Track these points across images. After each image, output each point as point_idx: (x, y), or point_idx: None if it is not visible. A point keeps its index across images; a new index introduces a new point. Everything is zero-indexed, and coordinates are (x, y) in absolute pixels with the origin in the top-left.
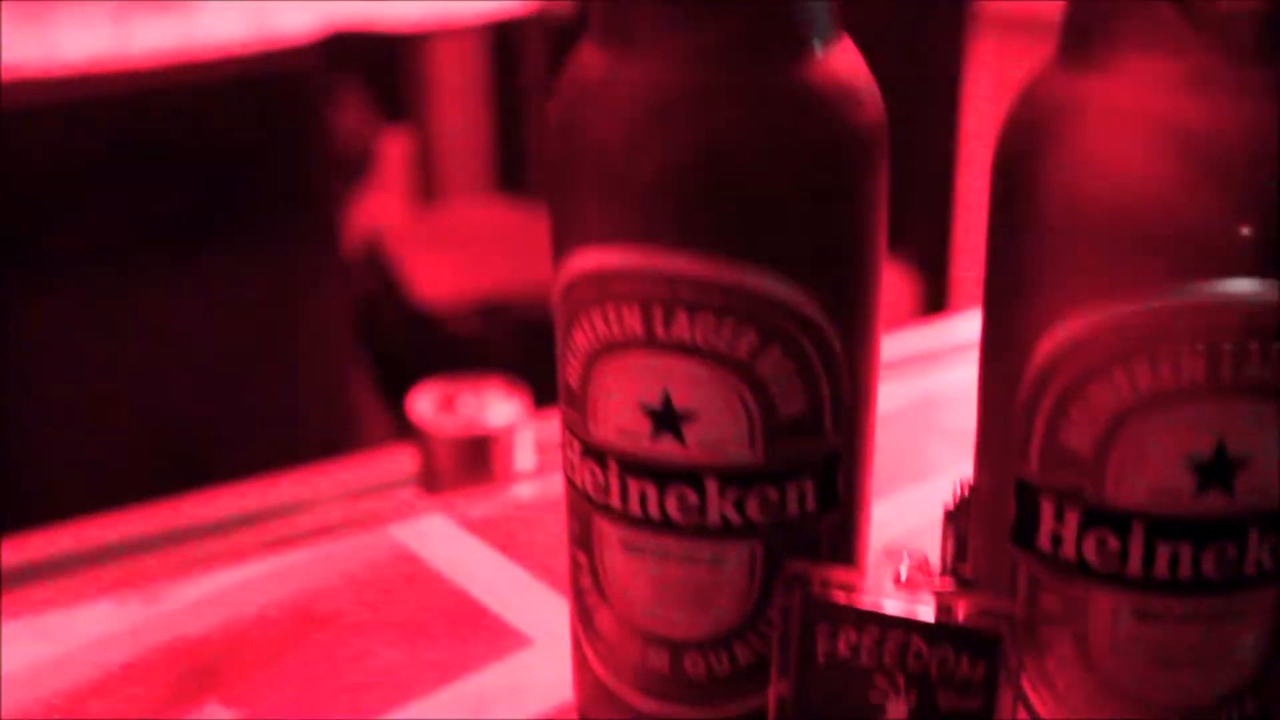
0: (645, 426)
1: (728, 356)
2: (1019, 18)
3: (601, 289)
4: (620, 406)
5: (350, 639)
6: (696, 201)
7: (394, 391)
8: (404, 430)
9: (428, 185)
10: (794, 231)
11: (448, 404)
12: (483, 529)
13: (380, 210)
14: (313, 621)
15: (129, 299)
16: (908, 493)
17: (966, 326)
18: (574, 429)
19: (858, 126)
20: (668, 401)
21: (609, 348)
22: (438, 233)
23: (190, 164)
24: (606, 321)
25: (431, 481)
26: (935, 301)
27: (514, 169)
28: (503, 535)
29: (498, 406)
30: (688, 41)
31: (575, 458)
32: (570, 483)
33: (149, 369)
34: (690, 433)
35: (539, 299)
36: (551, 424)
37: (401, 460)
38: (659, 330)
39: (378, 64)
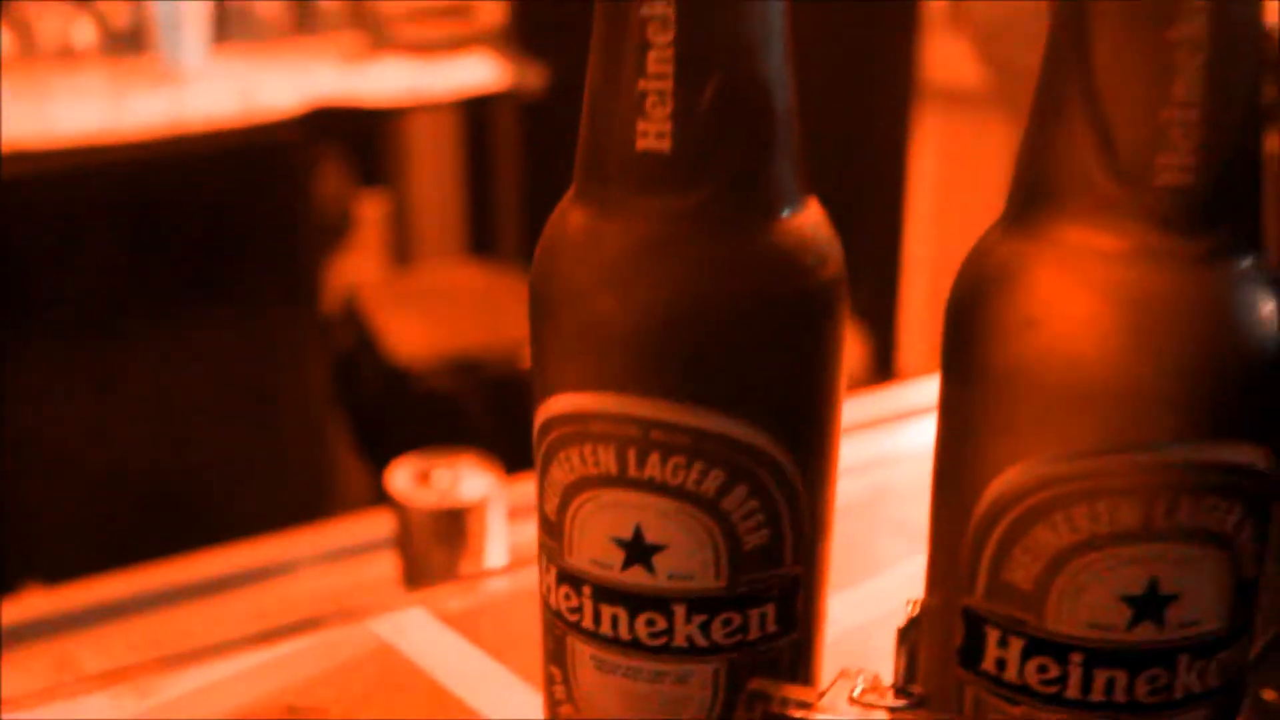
0: (618, 557)
1: (696, 494)
2: (962, 91)
3: (579, 430)
4: (594, 538)
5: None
6: (669, 353)
7: (370, 442)
8: (381, 496)
9: (403, 248)
10: (759, 380)
11: (423, 478)
12: (459, 622)
13: (357, 270)
14: (294, 712)
15: (116, 356)
16: (860, 587)
17: (914, 393)
18: (551, 556)
19: (820, 285)
20: (639, 535)
21: (585, 483)
22: (412, 293)
23: (179, 228)
24: (583, 460)
25: (408, 550)
26: (884, 360)
27: (485, 233)
28: (479, 629)
29: (471, 480)
30: (664, 205)
31: (551, 581)
32: (545, 603)
33: (134, 424)
34: (660, 563)
35: (508, 357)
36: (523, 488)
37: (379, 527)
38: (632, 469)
39: (357, 134)
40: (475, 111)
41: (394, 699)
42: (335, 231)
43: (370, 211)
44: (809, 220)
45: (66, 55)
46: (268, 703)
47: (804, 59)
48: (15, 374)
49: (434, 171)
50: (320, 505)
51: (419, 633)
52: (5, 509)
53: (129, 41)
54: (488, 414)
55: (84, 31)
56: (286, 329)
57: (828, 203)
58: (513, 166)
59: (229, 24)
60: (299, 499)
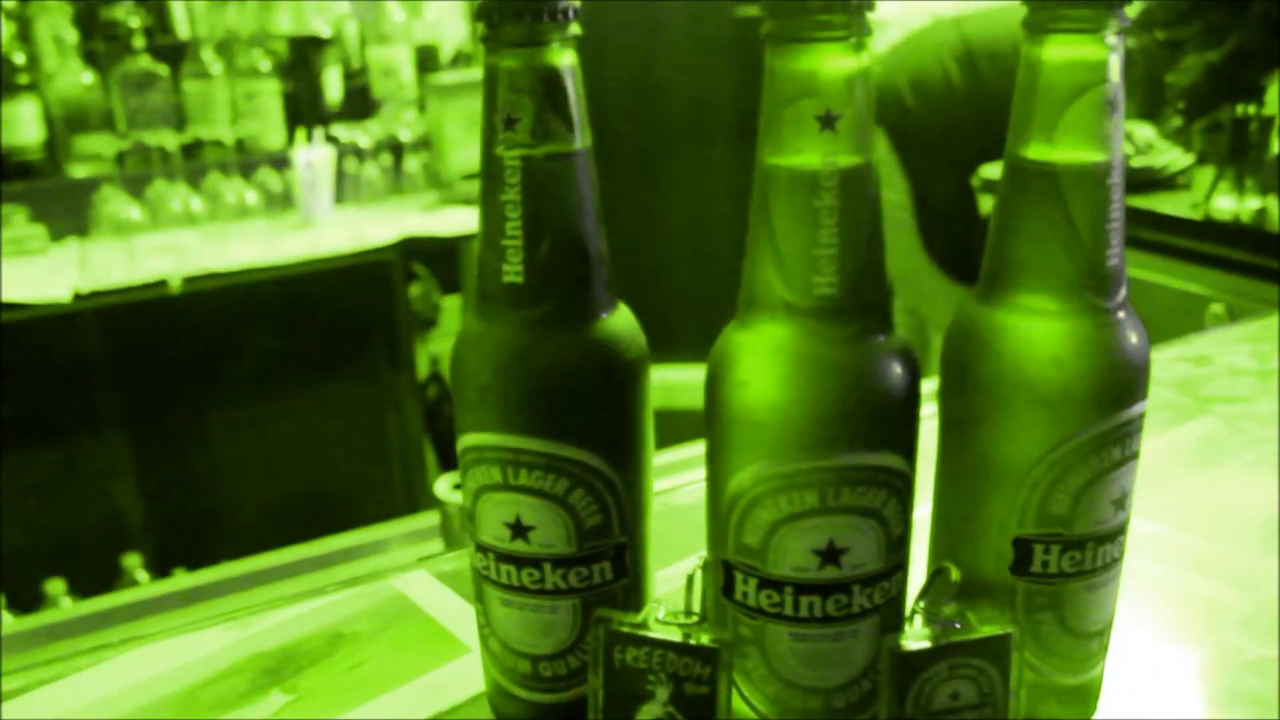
0: (507, 535)
1: (552, 494)
2: None
3: (478, 455)
4: (493, 524)
5: (363, 648)
6: (529, 407)
7: (448, 462)
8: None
9: None
10: (588, 422)
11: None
12: (450, 580)
13: (440, 346)
14: (340, 638)
15: (274, 412)
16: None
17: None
18: (470, 535)
19: (626, 361)
20: (519, 520)
21: (484, 489)
22: None
23: (317, 324)
24: (484, 474)
25: (446, 532)
26: None
27: None
28: (461, 582)
29: None
30: (522, 316)
31: (473, 550)
32: (472, 565)
33: (288, 458)
34: (533, 537)
35: None
36: None
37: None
38: (511, 479)
39: (437, 257)
40: None
41: (404, 630)
42: (425, 322)
43: (449, 306)
44: (619, 320)
45: (240, 211)
46: (324, 630)
47: None
48: (207, 426)
49: None
50: (415, 505)
51: (423, 587)
52: (204, 513)
53: (281, 201)
54: None
55: (250, 195)
56: (391, 388)
57: None
58: None
59: (346, 187)
60: (400, 501)
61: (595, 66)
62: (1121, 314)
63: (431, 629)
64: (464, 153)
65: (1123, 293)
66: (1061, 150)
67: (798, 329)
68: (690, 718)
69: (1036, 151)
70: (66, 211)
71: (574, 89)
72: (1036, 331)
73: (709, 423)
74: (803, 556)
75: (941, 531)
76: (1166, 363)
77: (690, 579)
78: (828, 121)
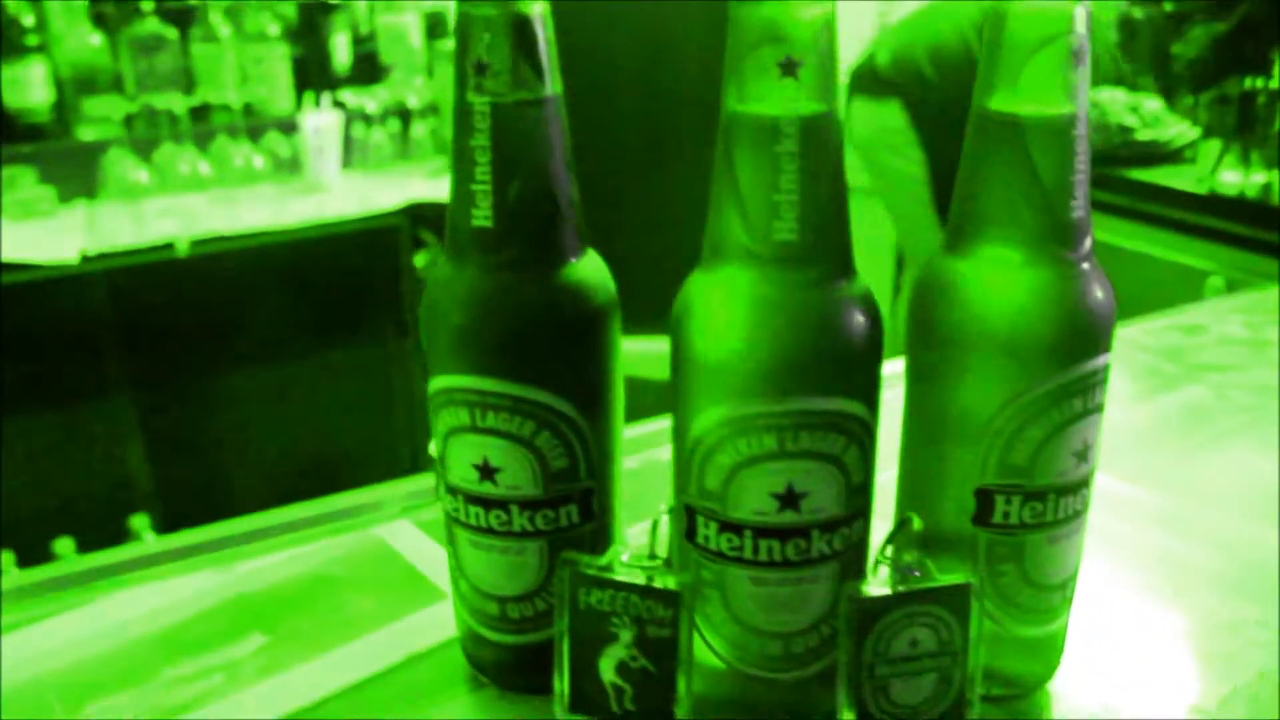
0: (475, 477)
1: (519, 436)
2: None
3: (447, 398)
4: (462, 466)
5: (343, 593)
6: (496, 351)
7: None
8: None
9: None
10: (554, 366)
11: None
12: (429, 528)
13: None
14: (322, 583)
15: (284, 372)
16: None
17: None
18: (440, 477)
19: (591, 307)
20: (487, 462)
21: (454, 430)
22: None
23: (323, 287)
24: (453, 416)
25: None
26: None
27: None
28: (441, 531)
29: None
30: (491, 260)
31: (443, 493)
32: (443, 508)
33: (299, 416)
34: (500, 479)
35: None
36: None
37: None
38: (478, 421)
39: (442, 222)
40: None
41: (384, 575)
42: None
43: None
44: (587, 267)
45: (247, 175)
46: (307, 575)
47: None
48: (214, 388)
49: None
50: (419, 467)
51: (405, 535)
52: (212, 475)
53: (288, 165)
54: None
55: (258, 159)
56: (397, 352)
57: None
58: None
59: (354, 152)
60: (404, 463)
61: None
62: (1085, 266)
63: (410, 575)
64: None
65: (1087, 245)
66: (1025, 102)
67: (757, 274)
68: (653, 660)
69: (1001, 103)
70: (75, 173)
71: (544, 37)
72: (997, 281)
73: (673, 368)
74: (762, 500)
75: (908, 484)
76: (1158, 331)
77: (655, 523)
78: (789, 68)
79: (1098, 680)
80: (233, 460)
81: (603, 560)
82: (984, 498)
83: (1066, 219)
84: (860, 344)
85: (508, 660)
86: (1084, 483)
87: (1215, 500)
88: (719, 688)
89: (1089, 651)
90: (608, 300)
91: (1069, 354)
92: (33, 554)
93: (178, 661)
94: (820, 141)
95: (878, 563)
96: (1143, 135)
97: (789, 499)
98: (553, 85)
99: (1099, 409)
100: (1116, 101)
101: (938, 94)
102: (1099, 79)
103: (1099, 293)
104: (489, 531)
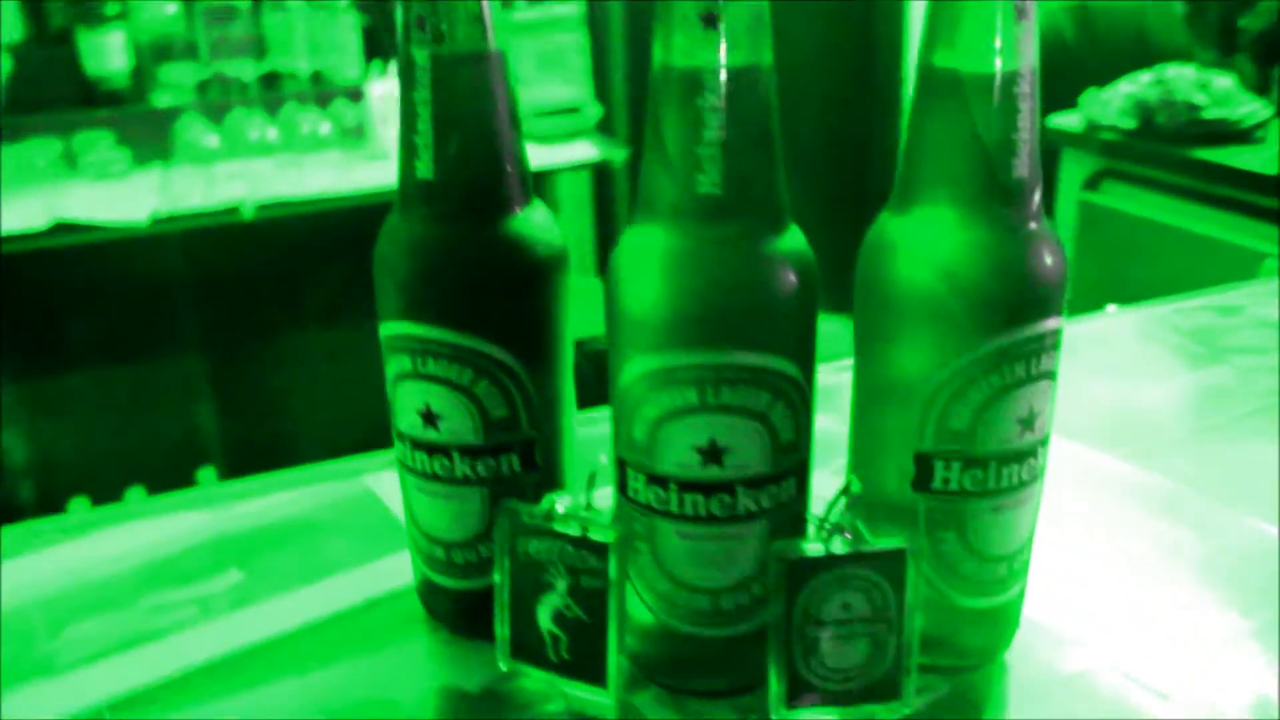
0: (419, 424)
1: (458, 384)
2: None
3: (393, 343)
4: (407, 412)
5: (323, 536)
6: (438, 299)
7: None
8: None
9: None
10: (494, 314)
11: None
12: None
13: None
14: (305, 526)
15: (344, 336)
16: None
17: None
18: (391, 423)
19: (534, 259)
20: (429, 409)
21: (400, 376)
22: None
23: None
24: (398, 362)
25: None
26: None
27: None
28: None
29: None
30: (434, 210)
31: (395, 438)
32: (395, 455)
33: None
34: (442, 426)
35: None
36: None
37: None
38: (420, 368)
39: None
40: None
41: (365, 522)
42: None
43: None
44: (530, 219)
45: (314, 141)
46: (292, 518)
47: None
48: (279, 348)
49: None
50: None
51: (391, 484)
52: (276, 432)
53: (355, 132)
54: None
55: (325, 125)
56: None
57: None
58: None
59: None
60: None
61: None
62: (1030, 227)
63: (390, 523)
64: (538, 90)
65: (1032, 206)
66: (965, 56)
67: (680, 228)
68: (586, 610)
69: (943, 58)
70: (149, 138)
71: None
72: (936, 241)
73: (605, 322)
74: (685, 453)
75: (856, 448)
76: (1190, 311)
77: (592, 474)
78: (710, 20)
79: (1053, 655)
80: (295, 416)
81: (540, 510)
82: (923, 462)
83: (1008, 178)
84: (785, 300)
85: (456, 606)
86: (1031, 452)
87: (1215, 486)
88: (651, 643)
89: (1050, 626)
90: (550, 252)
91: (1008, 317)
92: (105, 502)
93: (157, 592)
94: (745, 94)
95: (808, 523)
96: (1211, 113)
97: (712, 453)
98: (495, 41)
99: (1048, 376)
100: (1185, 78)
101: None
102: (1166, 55)
103: (1044, 255)
104: (433, 478)
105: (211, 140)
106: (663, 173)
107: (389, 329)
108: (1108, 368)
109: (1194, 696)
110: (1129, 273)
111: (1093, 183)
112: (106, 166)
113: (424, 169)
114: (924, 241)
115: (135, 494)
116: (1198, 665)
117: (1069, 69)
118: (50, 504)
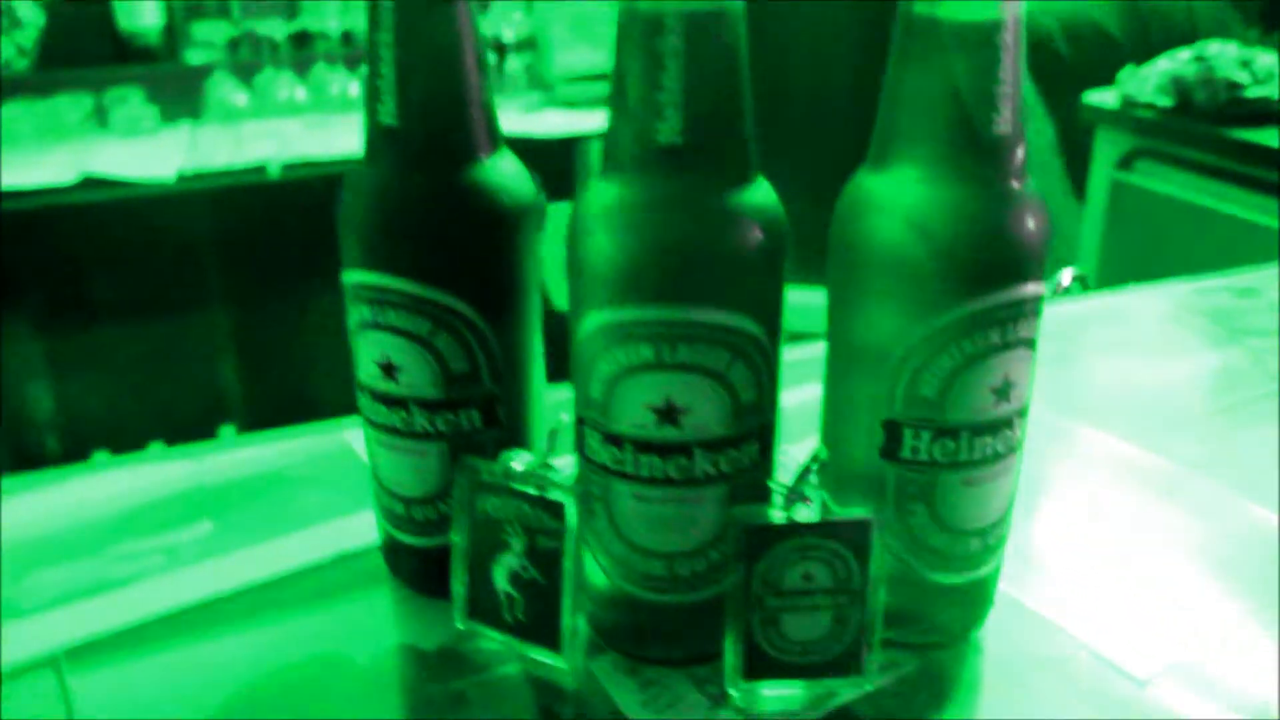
0: (378, 375)
1: (418, 336)
2: None
3: (354, 293)
4: (366, 363)
5: (297, 489)
6: (395, 248)
7: None
8: None
9: None
10: (452, 265)
11: None
12: None
13: None
14: (279, 479)
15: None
16: None
17: None
18: (353, 373)
19: (496, 209)
20: (388, 361)
21: (360, 326)
22: None
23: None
24: (358, 313)
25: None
26: None
27: None
28: None
29: None
30: (398, 157)
31: (356, 390)
32: (359, 407)
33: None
34: (401, 379)
35: None
36: None
37: None
38: (379, 318)
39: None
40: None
41: (340, 477)
42: None
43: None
44: (494, 168)
45: (343, 102)
46: (267, 471)
47: None
48: (306, 305)
49: None
50: None
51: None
52: (297, 389)
53: None
54: None
55: (354, 86)
56: None
57: None
58: None
59: None
60: None
61: None
62: (1010, 187)
63: (365, 478)
64: (569, 55)
65: (1014, 166)
66: (946, 3)
67: (639, 179)
68: (541, 571)
69: (923, 4)
70: (180, 95)
71: None
72: (908, 199)
73: (566, 277)
74: (640, 413)
75: (828, 416)
76: (1209, 291)
77: (552, 431)
78: None
79: (1031, 636)
80: (317, 374)
81: (499, 467)
82: (892, 430)
83: (987, 134)
84: (746, 255)
85: (416, 563)
86: (1006, 423)
87: (1220, 469)
88: (607, 609)
89: (1031, 607)
90: (516, 204)
91: (981, 280)
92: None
93: (125, 541)
94: (708, 39)
95: (772, 491)
96: (1253, 92)
97: (668, 413)
98: None
99: (1026, 344)
100: (1226, 56)
101: (1070, 71)
102: (1207, 32)
103: (1023, 216)
104: (393, 431)
105: (240, 99)
106: (624, 121)
107: (350, 277)
108: (1119, 345)
109: (1172, 685)
110: (1160, 254)
111: (1126, 162)
112: (136, 123)
113: (386, 114)
114: (895, 198)
115: (156, 448)
116: (1181, 654)
117: (1112, 57)
118: (75, 456)
